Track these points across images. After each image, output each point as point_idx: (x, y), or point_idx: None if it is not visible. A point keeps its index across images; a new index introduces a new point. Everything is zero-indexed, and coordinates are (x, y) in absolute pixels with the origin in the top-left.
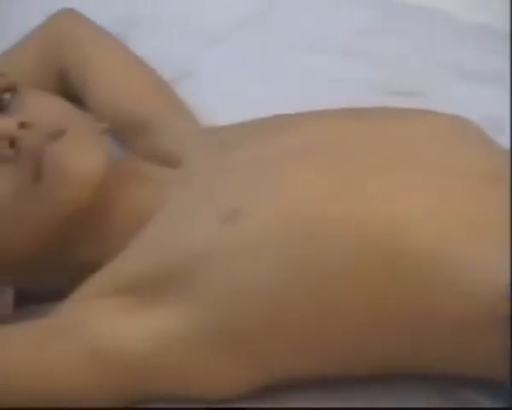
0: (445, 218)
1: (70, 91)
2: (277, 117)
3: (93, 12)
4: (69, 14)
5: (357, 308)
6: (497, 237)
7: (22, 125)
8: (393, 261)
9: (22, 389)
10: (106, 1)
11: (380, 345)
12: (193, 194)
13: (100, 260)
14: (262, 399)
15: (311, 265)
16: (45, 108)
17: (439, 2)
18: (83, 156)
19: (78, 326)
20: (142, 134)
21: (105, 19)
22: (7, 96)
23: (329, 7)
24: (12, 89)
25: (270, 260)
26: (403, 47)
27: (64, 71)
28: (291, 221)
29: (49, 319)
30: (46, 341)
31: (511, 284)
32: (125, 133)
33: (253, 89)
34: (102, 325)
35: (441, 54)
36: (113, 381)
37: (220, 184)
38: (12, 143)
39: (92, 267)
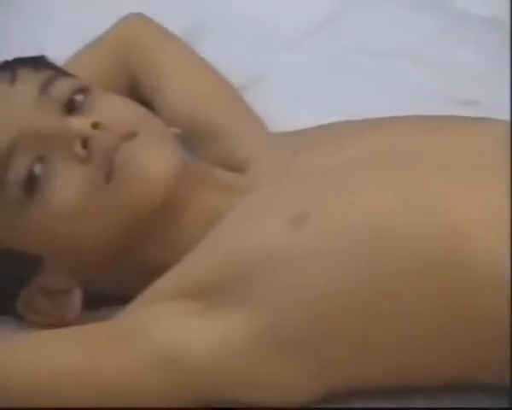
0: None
1: (139, 95)
2: (346, 123)
3: (162, 18)
4: (139, 18)
5: (425, 314)
6: None
7: (95, 125)
8: (462, 269)
9: (87, 391)
10: (174, 7)
11: (448, 351)
12: (261, 198)
13: (166, 263)
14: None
15: (378, 272)
16: (117, 110)
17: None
18: (154, 159)
19: (146, 329)
20: (212, 140)
21: (174, 24)
22: (79, 97)
23: (400, 12)
24: (84, 90)
25: (337, 266)
26: (472, 56)
27: (134, 74)
28: (358, 229)
29: (115, 322)
30: (112, 344)
31: None
32: (195, 138)
33: (324, 93)
34: (171, 328)
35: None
36: (181, 385)
37: (288, 188)
38: (84, 143)
39: (158, 270)
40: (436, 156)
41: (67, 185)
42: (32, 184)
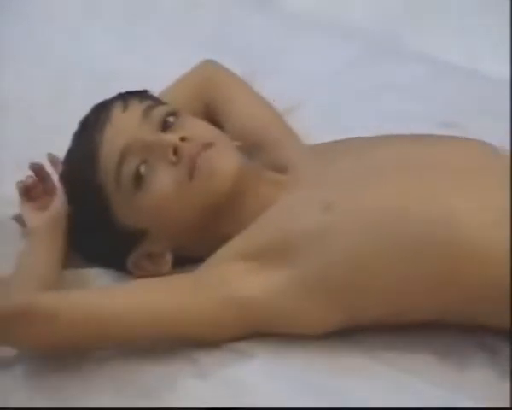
0: (485, 214)
1: (211, 118)
2: (364, 139)
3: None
4: (213, 63)
5: (424, 274)
6: None
7: (182, 138)
8: (451, 241)
9: (166, 316)
10: (233, 56)
11: (436, 299)
12: (299, 191)
13: (231, 234)
14: (341, 336)
15: (389, 242)
16: (198, 128)
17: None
18: (225, 162)
19: (220, 280)
20: (264, 150)
21: (236, 69)
22: (171, 118)
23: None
24: (174, 114)
25: (356, 239)
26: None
27: (210, 103)
28: (373, 213)
29: (197, 274)
30: (195, 290)
31: None
32: (253, 149)
33: (345, 120)
34: (236, 280)
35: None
36: (245, 320)
37: (320, 184)
38: (175, 151)
39: (225, 239)
40: (430, 163)
41: (163, 181)
42: (138, 179)
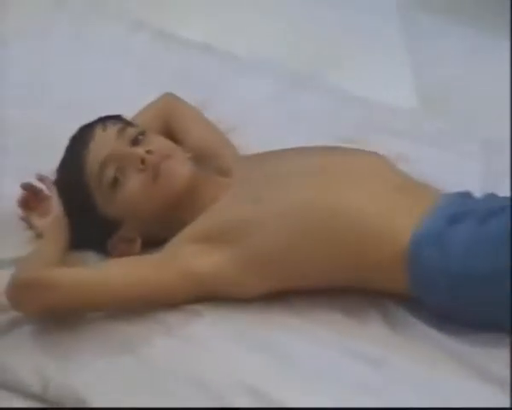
0: (369, 209)
1: (169, 135)
2: (284, 149)
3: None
4: (171, 94)
5: (334, 250)
6: (403, 217)
7: (148, 151)
8: (351, 227)
9: (133, 287)
10: (190, 90)
11: (341, 270)
12: (237, 189)
13: (187, 222)
14: (274, 299)
15: (306, 227)
16: (160, 143)
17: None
18: (179, 169)
19: (176, 258)
20: (210, 160)
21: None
22: (140, 136)
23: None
24: (142, 133)
25: (280, 224)
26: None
27: (168, 125)
28: (293, 204)
29: (160, 254)
30: (158, 266)
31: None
32: (201, 159)
33: (272, 137)
34: (189, 257)
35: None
36: (197, 287)
37: (252, 184)
38: (143, 161)
39: (182, 226)
40: (339, 168)
41: (133, 183)
42: (115, 182)
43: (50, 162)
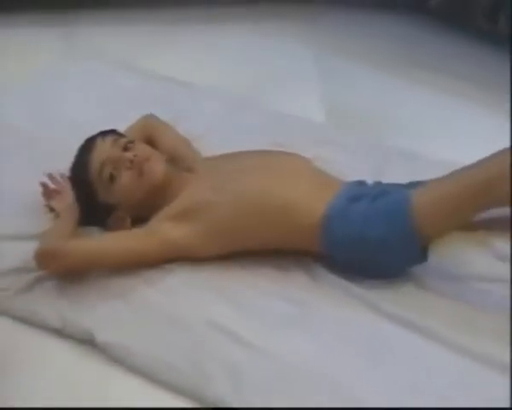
0: (293, 193)
1: (150, 143)
2: (234, 152)
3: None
4: (151, 115)
5: (268, 225)
6: (318, 199)
7: (135, 155)
8: (281, 210)
9: (124, 252)
10: (165, 111)
11: (273, 237)
12: (199, 182)
13: (164, 206)
14: (228, 259)
15: (250, 208)
16: (143, 149)
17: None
18: (157, 167)
19: (156, 231)
20: (180, 161)
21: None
22: (129, 144)
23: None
24: (131, 142)
25: (231, 206)
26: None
27: (149, 135)
28: (241, 192)
29: (143, 228)
30: (141, 237)
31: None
32: (173, 160)
33: (224, 142)
34: (165, 230)
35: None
36: (169, 250)
37: (210, 178)
38: (131, 162)
39: (159, 209)
40: (271, 166)
41: (124, 178)
42: (112, 177)
43: (67, 164)
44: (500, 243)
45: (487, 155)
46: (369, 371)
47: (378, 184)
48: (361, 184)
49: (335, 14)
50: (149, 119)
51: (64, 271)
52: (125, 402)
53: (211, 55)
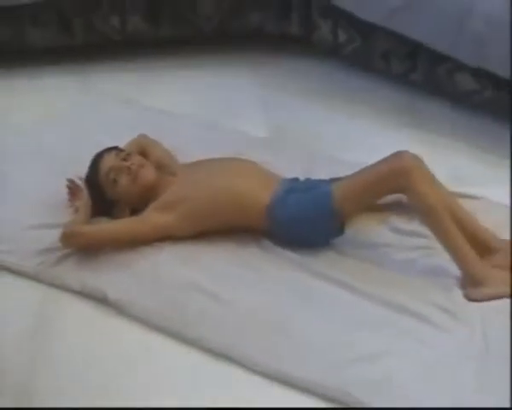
0: (247, 188)
1: (143, 155)
2: (202, 160)
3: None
4: (144, 134)
5: (227, 210)
6: (264, 192)
7: (132, 164)
8: (239, 198)
9: (125, 233)
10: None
11: (233, 219)
12: (181, 182)
13: (153, 201)
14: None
15: (216, 199)
16: (138, 159)
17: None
18: (148, 173)
19: (147, 218)
20: (165, 168)
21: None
22: (128, 156)
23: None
24: (129, 154)
25: (203, 197)
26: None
27: (143, 149)
28: (210, 186)
29: (138, 217)
30: (137, 222)
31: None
32: (160, 167)
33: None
34: (154, 217)
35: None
36: (158, 233)
37: (187, 179)
38: (128, 169)
39: (150, 202)
40: (234, 167)
41: (124, 182)
42: (115, 181)
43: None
44: (395, 220)
45: (384, 156)
46: (305, 313)
47: (308, 179)
48: (295, 180)
49: (276, 62)
50: (142, 137)
51: (82, 248)
52: (128, 342)
53: (186, 92)
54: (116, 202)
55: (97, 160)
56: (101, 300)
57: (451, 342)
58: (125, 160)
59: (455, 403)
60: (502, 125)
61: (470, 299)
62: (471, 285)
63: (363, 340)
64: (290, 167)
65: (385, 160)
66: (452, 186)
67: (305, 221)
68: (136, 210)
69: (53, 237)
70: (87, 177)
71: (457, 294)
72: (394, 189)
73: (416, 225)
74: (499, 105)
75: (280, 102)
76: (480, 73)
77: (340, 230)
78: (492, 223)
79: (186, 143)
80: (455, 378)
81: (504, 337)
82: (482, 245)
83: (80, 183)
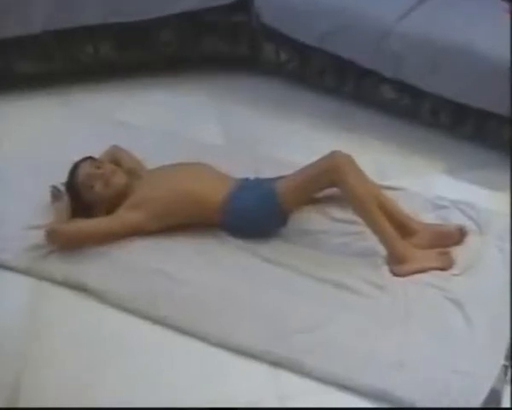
0: (203, 188)
1: (115, 163)
2: (165, 165)
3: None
4: (116, 145)
5: (186, 209)
6: (219, 192)
7: (104, 172)
8: (195, 198)
9: (101, 230)
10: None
11: (192, 216)
12: (146, 184)
13: (124, 201)
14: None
15: (177, 198)
16: (110, 167)
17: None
18: (120, 179)
19: (121, 217)
20: (134, 174)
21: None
22: (101, 164)
23: None
24: (102, 162)
25: (166, 197)
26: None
27: (115, 158)
28: (172, 187)
29: (113, 215)
30: (113, 220)
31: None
32: (129, 173)
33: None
34: (127, 215)
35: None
36: (128, 229)
37: (152, 182)
38: (101, 176)
39: (121, 203)
40: (191, 170)
41: (98, 187)
42: (91, 186)
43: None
44: (331, 210)
45: (321, 156)
46: (255, 290)
47: (256, 179)
48: (246, 180)
49: (228, 79)
50: (114, 148)
51: (64, 244)
52: (105, 323)
53: (152, 108)
54: (93, 204)
55: (75, 168)
56: (81, 288)
57: (379, 308)
58: (98, 168)
59: (382, 356)
60: (417, 128)
61: (395, 274)
62: (395, 263)
63: (306, 311)
64: (241, 169)
65: (321, 159)
66: (379, 180)
67: (254, 214)
68: (111, 210)
69: (41, 235)
70: (67, 183)
71: (385, 270)
72: (329, 183)
73: (349, 214)
74: (416, 111)
75: (232, 113)
76: (398, 85)
77: (284, 220)
78: (412, 209)
79: (152, 152)
80: (383, 336)
81: (422, 305)
82: (404, 228)
83: (62, 188)
